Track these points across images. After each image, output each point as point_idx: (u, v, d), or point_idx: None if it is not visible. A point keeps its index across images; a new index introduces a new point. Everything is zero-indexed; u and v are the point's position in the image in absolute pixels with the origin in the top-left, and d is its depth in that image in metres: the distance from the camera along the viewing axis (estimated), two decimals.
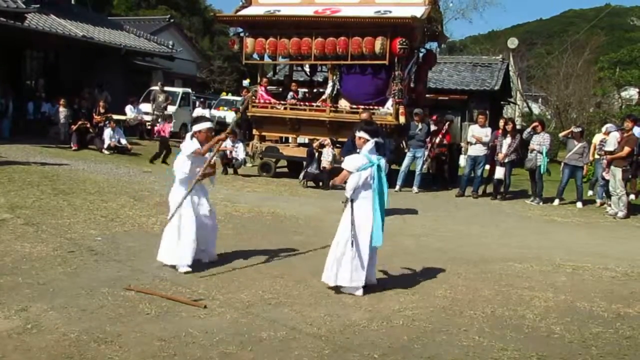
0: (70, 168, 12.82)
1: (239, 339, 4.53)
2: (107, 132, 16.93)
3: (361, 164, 5.70)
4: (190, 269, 6.18)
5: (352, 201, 5.75)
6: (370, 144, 5.77)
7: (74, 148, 16.20)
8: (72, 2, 26.35)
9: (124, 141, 17.32)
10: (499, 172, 13.41)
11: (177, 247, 6.23)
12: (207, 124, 6.58)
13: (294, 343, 4.53)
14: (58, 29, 19.55)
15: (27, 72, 20.15)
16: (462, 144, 17.41)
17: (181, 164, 6.36)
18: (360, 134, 5.82)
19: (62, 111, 16.95)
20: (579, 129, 13.70)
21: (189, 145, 6.34)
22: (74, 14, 22.45)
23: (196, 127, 6.52)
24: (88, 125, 16.99)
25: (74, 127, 16.58)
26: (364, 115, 10.81)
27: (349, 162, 5.79)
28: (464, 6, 58.62)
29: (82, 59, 20.72)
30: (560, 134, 14.89)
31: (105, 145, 16.73)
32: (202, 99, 22.98)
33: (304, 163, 14.33)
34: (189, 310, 5.10)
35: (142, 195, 10.62)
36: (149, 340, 4.42)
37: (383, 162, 5.80)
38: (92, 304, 5.11)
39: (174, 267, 6.23)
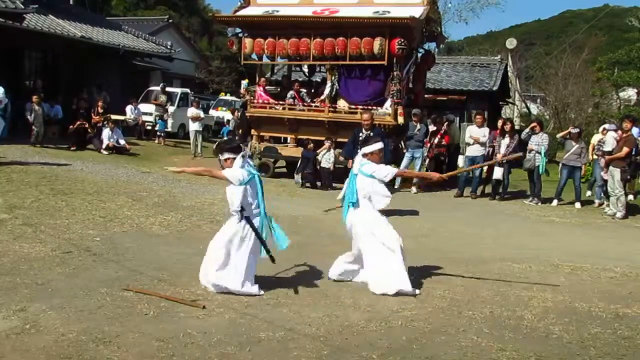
0: (69, 168, 12.82)
1: (237, 340, 4.53)
2: (106, 133, 16.92)
3: (244, 177, 5.61)
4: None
5: (247, 218, 5.73)
6: (239, 159, 5.71)
7: (72, 148, 16.19)
8: (71, 2, 26.34)
9: (122, 141, 17.31)
10: (498, 173, 13.42)
11: None
12: (379, 145, 6.32)
13: (293, 344, 4.53)
14: (57, 30, 19.55)
15: (25, 72, 20.12)
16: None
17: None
18: (225, 155, 5.74)
19: (37, 109, 15.82)
20: (577, 130, 13.72)
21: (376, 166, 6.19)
22: (73, 15, 22.44)
23: (368, 149, 6.28)
24: (86, 126, 16.98)
25: (72, 127, 16.57)
26: (365, 116, 10.83)
27: (232, 174, 5.62)
28: (461, 7, 58.48)
29: (80, 60, 20.71)
30: (558, 135, 14.90)
31: (104, 146, 16.73)
32: (196, 99, 22.90)
33: (298, 164, 14.36)
34: (187, 310, 5.10)
35: (140, 195, 10.62)
36: (148, 341, 4.42)
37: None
38: (90, 304, 5.11)
39: None
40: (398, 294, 5.80)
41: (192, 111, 19.64)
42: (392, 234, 6.06)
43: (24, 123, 17.74)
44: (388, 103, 14.04)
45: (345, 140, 11.78)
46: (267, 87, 15.82)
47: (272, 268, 6.57)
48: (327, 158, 13.89)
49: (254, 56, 15.52)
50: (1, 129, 13.19)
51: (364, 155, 6.24)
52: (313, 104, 15.00)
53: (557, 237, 9.69)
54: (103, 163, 14.65)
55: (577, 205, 13.01)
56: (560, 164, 13.68)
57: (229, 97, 30.29)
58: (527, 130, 13.80)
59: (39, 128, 15.84)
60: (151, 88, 24.34)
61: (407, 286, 5.87)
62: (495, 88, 22.73)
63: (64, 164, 13.27)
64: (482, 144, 13.72)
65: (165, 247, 7.34)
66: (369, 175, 6.08)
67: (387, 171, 6.13)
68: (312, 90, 15.87)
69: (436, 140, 14.98)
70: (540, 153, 13.05)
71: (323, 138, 14.34)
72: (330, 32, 14.15)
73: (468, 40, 59.07)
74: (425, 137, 14.57)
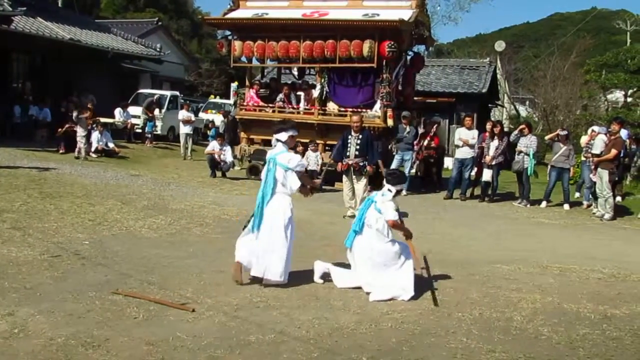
0: (57, 171, 12.73)
1: (227, 343, 4.52)
2: (95, 136, 16.84)
3: None
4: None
5: None
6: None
7: (61, 151, 16.11)
8: (59, 4, 26.22)
9: (111, 144, 17.25)
10: (487, 175, 13.47)
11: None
12: None
13: (283, 346, 4.53)
14: (45, 32, 19.46)
15: (13, 75, 20.02)
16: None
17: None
18: (290, 132, 6.58)
19: (84, 125, 15.82)
20: (565, 132, 13.80)
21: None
22: (61, 17, 22.35)
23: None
24: (75, 128, 16.89)
25: (61, 130, 16.48)
26: (355, 118, 10.85)
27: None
28: (450, 8, 58.81)
29: (69, 62, 20.61)
30: (547, 137, 14.97)
31: (93, 149, 16.64)
32: (187, 102, 22.85)
33: None
34: (177, 314, 5.08)
35: (129, 198, 10.58)
36: (137, 345, 4.40)
37: (279, 158, 6.49)
38: (79, 308, 5.08)
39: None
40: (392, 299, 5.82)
41: (183, 114, 19.54)
42: (394, 250, 6.12)
43: (11, 126, 17.69)
44: (378, 105, 14.08)
45: (335, 142, 11.78)
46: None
47: None
48: (313, 160, 13.85)
49: (243, 59, 15.51)
50: None
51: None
52: (302, 107, 14.98)
53: (545, 239, 9.74)
54: (92, 166, 14.57)
55: (566, 206, 13.08)
56: (549, 166, 13.74)
57: (218, 100, 30.21)
58: (515, 132, 13.87)
59: (84, 144, 15.87)
60: (140, 91, 24.23)
61: (403, 295, 5.87)
62: (484, 90, 22.86)
63: (53, 167, 13.19)
64: (471, 147, 13.77)
65: (155, 250, 7.31)
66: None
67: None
68: (297, 93, 15.83)
69: (425, 143, 15.03)
70: (528, 155, 13.10)
71: (309, 140, 14.33)
72: (320, 34, 14.15)
73: (457, 43, 59.33)
74: (415, 140, 14.61)
